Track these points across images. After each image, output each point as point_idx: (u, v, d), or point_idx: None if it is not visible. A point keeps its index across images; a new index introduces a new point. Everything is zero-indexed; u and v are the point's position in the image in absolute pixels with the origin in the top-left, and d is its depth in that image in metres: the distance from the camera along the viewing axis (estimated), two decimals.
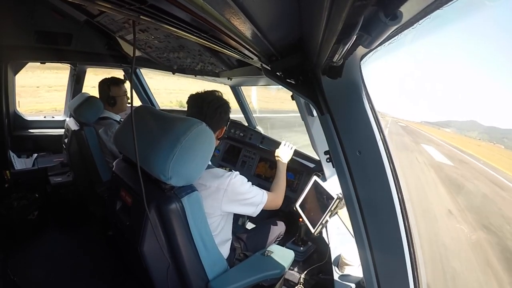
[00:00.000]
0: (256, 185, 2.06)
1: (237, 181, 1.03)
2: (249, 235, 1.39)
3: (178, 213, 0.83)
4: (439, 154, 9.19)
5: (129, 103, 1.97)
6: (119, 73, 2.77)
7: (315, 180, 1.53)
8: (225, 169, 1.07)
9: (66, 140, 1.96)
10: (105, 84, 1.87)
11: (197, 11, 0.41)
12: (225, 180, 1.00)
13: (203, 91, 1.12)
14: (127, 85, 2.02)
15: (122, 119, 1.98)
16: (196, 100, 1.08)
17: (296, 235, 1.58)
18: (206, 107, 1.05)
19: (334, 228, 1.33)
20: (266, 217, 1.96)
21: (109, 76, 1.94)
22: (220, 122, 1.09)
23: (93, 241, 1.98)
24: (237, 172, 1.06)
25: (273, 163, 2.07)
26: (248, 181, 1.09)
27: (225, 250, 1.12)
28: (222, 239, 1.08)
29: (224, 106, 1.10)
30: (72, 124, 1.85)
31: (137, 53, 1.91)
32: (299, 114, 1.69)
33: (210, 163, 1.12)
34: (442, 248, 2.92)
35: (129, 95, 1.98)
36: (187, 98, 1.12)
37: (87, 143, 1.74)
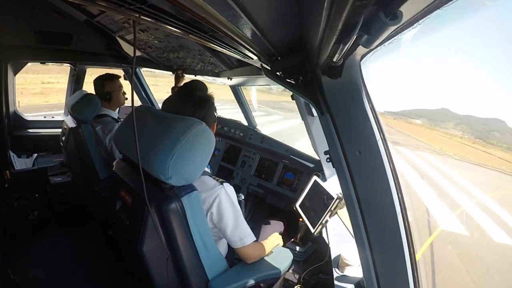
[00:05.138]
0: (256, 185, 2.09)
1: (226, 196, 0.94)
2: None
3: (178, 213, 0.83)
4: None
5: (126, 98, 1.97)
6: (119, 73, 2.77)
7: (315, 180, 1.53)
8: (217, 180, 0.98)
9: (63, 138, 1.95)
10: (99, 81, 1.87)
11: (197, 11, 0.41)
12: (213, 192, 0.93)
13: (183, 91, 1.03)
14: (122, 80, 2.01)
15: (120, 117, 1.98)
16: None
17: (296, 235, 1.58)
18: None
19: (334, 228, 1.33)
20: (266, 217, 1.96)
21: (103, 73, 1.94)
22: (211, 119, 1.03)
23: (93, 241, 1.98)
24: (229, 186, 0.97)
25: (273, 163, 2.07)
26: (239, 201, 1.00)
27: (222, 247, 1.11)
28: (218, 235, 1.07)
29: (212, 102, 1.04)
30: (69, 122, 1.84)
31: (137, 53, 1.91)
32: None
33: (207, 168, 1.11)
34: None
35: (124, 89, 1.97)
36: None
37: (84, 140, 1.73)
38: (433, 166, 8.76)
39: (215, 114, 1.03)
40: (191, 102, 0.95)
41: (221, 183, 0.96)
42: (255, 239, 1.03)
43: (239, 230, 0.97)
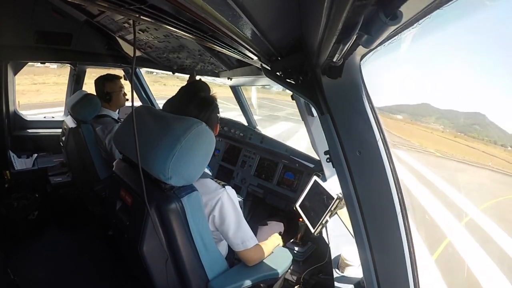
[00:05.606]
0: (256, 185, 2.09)
1: (228, 199, 0.95)
2: None
3: (178, 213, 0.83)
4: None
5: (127, 99, 1.97)
6: (119, 73, 2.77)
7: (315, 180, 1.53)
8: (219, 183, 0.98)
9: (63, 138, 1.95)
10: (100, 81, 1.88)
11: (197, 11, 0.41)
12: (215, 195, 0.93)
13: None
14: (123, 81, 2.01)
15: (120, 118, 1.98)
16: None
17: (296, 235, 1.58)
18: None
19: (334, 228, 1.33)
20: (266, 217, 1.96)
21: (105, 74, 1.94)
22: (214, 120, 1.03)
23: (93, 241, 1.98)
24: (231, 189, 0.98)
25: (273, 163, 2.07)
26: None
27: (223, 248, 1.11)
28: (219, 238, 1.07)
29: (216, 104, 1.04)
30: (69, 122, 1.84)
31: (137, 53, 1.91)
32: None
33: (207, 170, 1.10)
34: None
35: (125, 90, 1.97)
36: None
37: (84, 140, 1.73)
38: (410, 169, 7.15)
39: (218, 115, 1.03)
40: (195, 103, 0.95)
41: (223, 186, 0.96)
42: (257, 242, 1.03)
43: (241, 233, 0.97)
